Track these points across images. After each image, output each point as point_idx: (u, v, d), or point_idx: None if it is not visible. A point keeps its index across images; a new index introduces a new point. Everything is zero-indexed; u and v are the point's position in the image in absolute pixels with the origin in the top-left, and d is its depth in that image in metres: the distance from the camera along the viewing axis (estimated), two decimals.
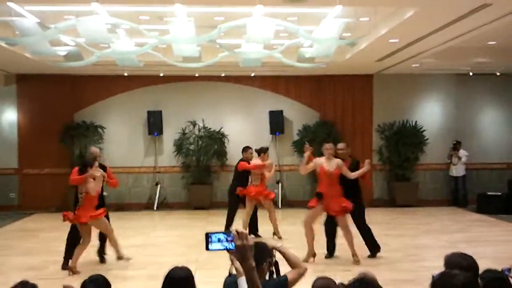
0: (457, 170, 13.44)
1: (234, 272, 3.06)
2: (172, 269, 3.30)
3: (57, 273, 7.36)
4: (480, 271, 3.10)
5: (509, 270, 3.17)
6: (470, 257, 3.22)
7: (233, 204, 9.77)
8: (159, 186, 13.30)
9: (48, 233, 10.34)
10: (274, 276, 3.45)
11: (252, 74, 13.29)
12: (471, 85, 13.86)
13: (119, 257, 7.82)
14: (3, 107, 13.27)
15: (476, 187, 13.52)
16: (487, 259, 6.76)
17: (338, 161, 7.67)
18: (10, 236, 10.19)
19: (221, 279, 3.53)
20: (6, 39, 8.01)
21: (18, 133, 13.22)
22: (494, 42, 10.05)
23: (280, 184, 13.44)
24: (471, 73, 13.46)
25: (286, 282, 3.41)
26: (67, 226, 10.44)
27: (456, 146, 13.37)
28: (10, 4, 7.02)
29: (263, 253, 3.35)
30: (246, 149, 9.79)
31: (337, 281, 3.70)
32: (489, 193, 12.76)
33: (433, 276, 2.43)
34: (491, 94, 14.01)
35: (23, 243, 9.47)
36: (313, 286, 3.42)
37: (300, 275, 3.50)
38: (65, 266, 7.43)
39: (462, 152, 13.35)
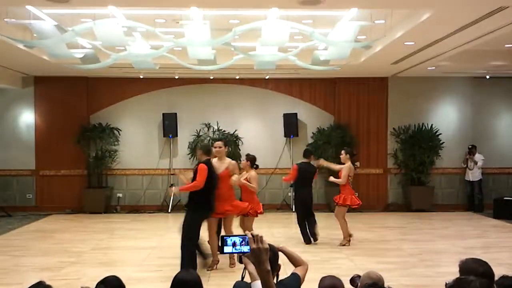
0: (473, 175, 13.28)
1: (247, 276, 3.06)
2: (179, 273, 3.32)
3: (73, 274, 7.42)
4: (496, 278, 3.06)
5: None
6: (486, 263, 3.18)
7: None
8: (173, 188, 13.32)
9: (64, 234, 10.44)
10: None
11: (267, 77, 13.30)
12: (487, 89, 13.70)
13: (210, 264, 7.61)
14: (21, 109, 13.44)
15: (492, 192, 13.39)
16: (504, 266, 6.69)
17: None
18: (27, 236, 10.31)
19: (233, 282, 3.53)
20: (25, 42, 8.11)
21: (35, 135, 13.38)
22: (511, 45, 9.93)
23: (293, 188, 13.38)
24: (487, 76, 13.31)
25: (299, 279, 3.45)
26: (83, 227, 10.53)
27: (472, 151, 13.22)
28: (28, 7, 7.12)
29: (275, 255, 3.36)
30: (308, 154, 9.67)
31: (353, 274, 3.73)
32: (506, 198, 12.60)
33: (446, 284, 2.41)
34: (508, 97, 13.83)
35: (40, 243, 9.57)
36: (319, 285, 3.42)
37: (306, 271, 3.55)
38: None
39: (478, 157, 13.20)
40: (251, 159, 8.46)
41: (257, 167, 8.55)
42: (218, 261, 7.64)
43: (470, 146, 13.28)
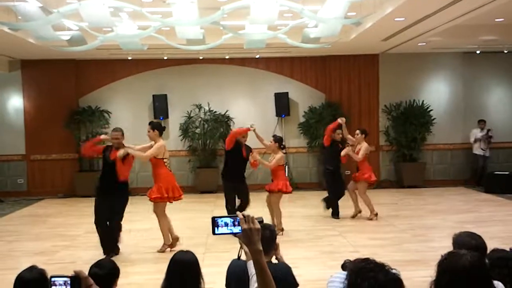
0: (486, 150, 13.16)
1: (243, 256, 3.06)
2: (177, 253, 3.35)
3: (67, 257, 7.42)
4: (488, 251, 3.09)
5: None
6: (479, 236, 3.21)
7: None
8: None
9: (57, 218, 10.43)
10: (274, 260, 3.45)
11: (257, 56, 13.20)
12: (478, 63, 13.71)
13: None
14: (8, 93, 13.28)
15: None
16: (495, 239, 6.75)
17: None
18: (19, 221, 10.28)
19: (228, 261, 3.54)
20: (9, 24, 7.95)
21: (24, 119, 13.25)
22: (501, 19, 9.89)
23: (286, 167, 13.40)
24: (478, 51, 13.30)
25: (291, 272, 3.44)
26: (75, 211, 10.50)
27: (484, 126, 13.11)
28: None
29: (272, 234, 3.36)
30: None
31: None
32: (496, 172, 12.71)
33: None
34: (498, 72, 13.87)
35: (32, 228, 9.55)
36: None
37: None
38: None
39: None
40: (279, 140, 8.58)
41: (284, 147, 8.72)
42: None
43: (482, 122, 13.12)
